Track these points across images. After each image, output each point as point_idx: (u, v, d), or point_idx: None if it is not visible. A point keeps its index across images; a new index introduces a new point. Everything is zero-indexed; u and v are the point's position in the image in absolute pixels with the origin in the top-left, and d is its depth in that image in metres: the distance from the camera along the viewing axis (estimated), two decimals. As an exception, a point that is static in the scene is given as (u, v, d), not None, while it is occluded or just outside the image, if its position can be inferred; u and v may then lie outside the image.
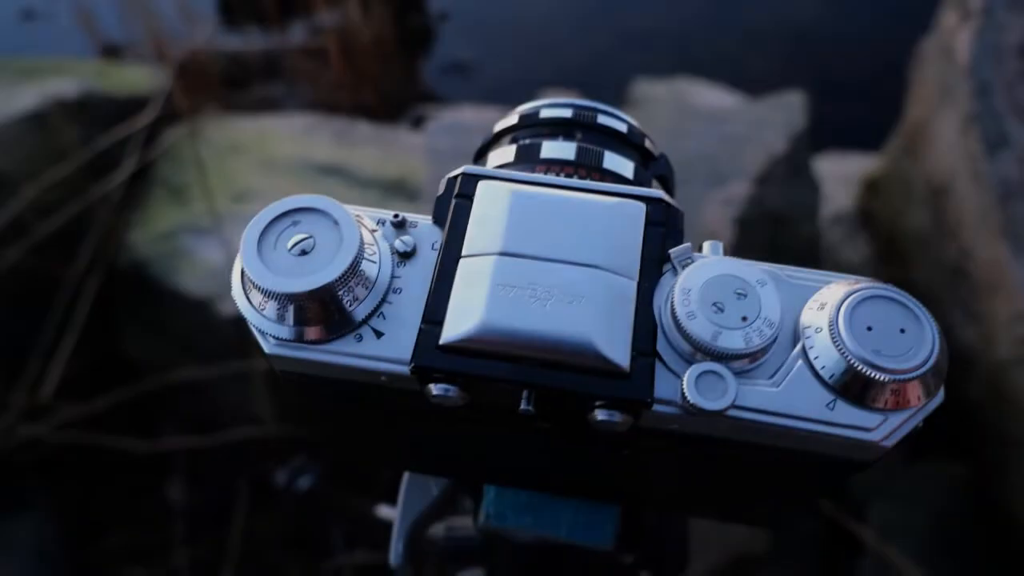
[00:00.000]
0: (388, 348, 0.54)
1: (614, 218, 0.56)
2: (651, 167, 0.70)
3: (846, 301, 0.52)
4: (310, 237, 0.54)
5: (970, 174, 1.97)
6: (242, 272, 0.55)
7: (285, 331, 0.54)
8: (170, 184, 2.41)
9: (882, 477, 2.20)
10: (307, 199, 0.55)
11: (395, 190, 2.44)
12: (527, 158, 0.67)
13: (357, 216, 0.58)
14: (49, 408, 2.21)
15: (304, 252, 0.53)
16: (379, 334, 0.54)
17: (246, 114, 2.68)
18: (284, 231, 0.54)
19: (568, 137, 0.69)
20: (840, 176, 2.50)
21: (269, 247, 0.54)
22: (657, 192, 0.59)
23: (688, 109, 2.49)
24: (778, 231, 2.19)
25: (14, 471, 2.30)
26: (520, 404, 0.54)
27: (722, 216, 2.13)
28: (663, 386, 0.53)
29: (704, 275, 0.53)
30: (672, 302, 0.53)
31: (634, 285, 0.54)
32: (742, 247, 2.08)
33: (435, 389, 0.53)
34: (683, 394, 0.51)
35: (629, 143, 0.70)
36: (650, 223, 0.57)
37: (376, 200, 2.38)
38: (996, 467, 2.05)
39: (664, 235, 0.57)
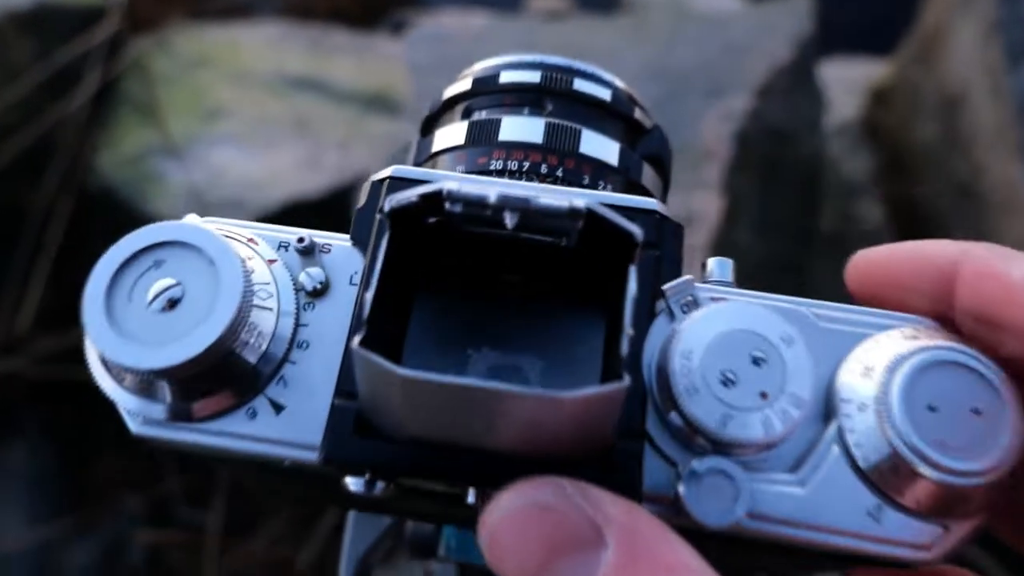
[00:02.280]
0: (290, 428, 0.39)
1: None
2: (640, 145, 0.53)
3: (902, 368, 0.37)
4: (177, 284, 0.38)
5: (988, 86, 1.77)
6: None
7: (155, 409, 0.39)
8: (137, 102, 2.20)
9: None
10: (171, 229, 0.39)
11: (375, 105, 2.23)
12: (482, 139, 0.50)
13: (250, 242, 0.42)
14: (27, 340, 2.09)
15: (171, 304, 0.38)
16: (278, 407, 0.40)
17: (215, 21, 2.43)
18: (143, 276, 0.38)
19: (535, 109, 0.52)
20: (846, 83, 2.29)
21: (122, 300, 0.38)
22: (648, 201, 0.43)
23: (687, 13, 2.25)
24: (778, 147, 2.00)
25: (4, 400, 2.20)
26: (467, 497, 0.40)
27: (720, 132, 1.94)
28: (655, 475, 0.38)
29: (710, 330, 0.38)
30: (668, 368, 0.38)
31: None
32: (740, 165, 1.90)
33: (353, 484, 0.39)
34: (678, 495, 0.37)
35: (614, 114, 0.53)
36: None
37: (355, 117, 2.18)
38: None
39: (657, 262, 0.42)
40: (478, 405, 0.35)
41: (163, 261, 0.38)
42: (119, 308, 0.38)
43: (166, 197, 2.06)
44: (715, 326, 0.38)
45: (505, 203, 0.36)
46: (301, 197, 2.00)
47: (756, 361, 0.37)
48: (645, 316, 0.40)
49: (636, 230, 0.36)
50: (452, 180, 0.37)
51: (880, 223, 2.10)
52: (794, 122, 2.05)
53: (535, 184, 0.44)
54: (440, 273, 0.44)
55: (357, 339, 0.34)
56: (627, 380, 0.34)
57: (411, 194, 0.37)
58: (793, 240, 2.05)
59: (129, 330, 0.37)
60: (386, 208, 0.37)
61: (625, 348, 0.35)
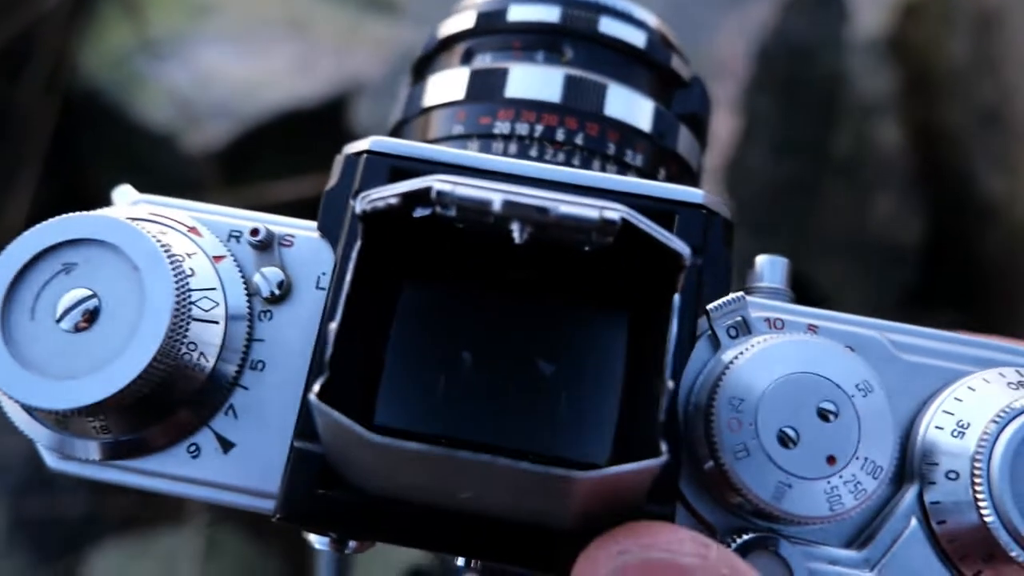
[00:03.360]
0: (241, 471, 0.31)
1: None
2: (676, 101, 0.43)
3: (1009, 430, 0.29)
4: (93, 295, 0.29)
5: (1029, 4, 1.62)
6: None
7: (77, 446, 0.31)
8: (121, -5, 2.03)
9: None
10: (82, 223, 0.30)
11: (375, 5, 2.06)
12: (485, 93, 0.40)
13: (191, 232, 0.33)
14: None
15: (86, 320, 0.29)
16: (227, 444, 0.31)
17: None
18: (48, 284, 0.29)
19: (552, 56, 0.41)
20: (873, -6, 2.11)
21: (22, 317, 0.29)
22: (692, 192, 0.34)
23: (708, -89, 2.05)
24: (798, 64, 1.86)
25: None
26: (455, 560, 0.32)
27: (738, 48, 1.80)
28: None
29: (768, 372, 0.29)
30: (713, 416, 0.29)
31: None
32: (758, 85, 1.76)
33: (317, 543, 0.32)
34: None
35: (647, 63, 0.42)
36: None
37: (353, 18, 2.01)
38: (1004, 324, 1.88)
39: (700, 273, 0.33)
40: (472, 476, 0.26)
41: (73, 265, 0.29)
42: (19, 328, 0.29)
43: (153, 101, 1.93)
44: (774, 367, 0.29)
45: (513, 212, 0.27)
46: (295, 105, 1.87)
47: (824, 415, 0.29)
48: (687, 339, 0.32)
49: (683, 249, 0.27)
50: (444, 178, 0.27)
51: (898, 147, 1.98)
52: (816, 37, 1.90)
53: (548, 168, 0.34)
54: (430, 262, 0.35)
55: (317, 387, 0.26)
56: (665, 456, 0.26)
57: (389, 194, 0.27)
58: (807, 162, 1.94)
59: (33, 358, 0.28)
60: (358, 209, 0.28)
61: (664, 411, 0.26)
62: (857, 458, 0.28)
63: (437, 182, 0.27)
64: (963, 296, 2.00)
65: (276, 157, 1.88)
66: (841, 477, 0.28)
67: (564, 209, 0.26)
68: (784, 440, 0.28)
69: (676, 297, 0.27)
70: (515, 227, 0.27)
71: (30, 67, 1.99)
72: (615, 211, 0.27)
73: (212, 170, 1.88)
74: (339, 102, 1.83)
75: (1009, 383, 0.30)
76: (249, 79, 1.89)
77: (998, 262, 1.90)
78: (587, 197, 0.27)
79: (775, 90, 1.88)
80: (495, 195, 0.26)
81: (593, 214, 0.27)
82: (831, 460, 0.28)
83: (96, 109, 1.97)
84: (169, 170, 1.98)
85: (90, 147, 2.13)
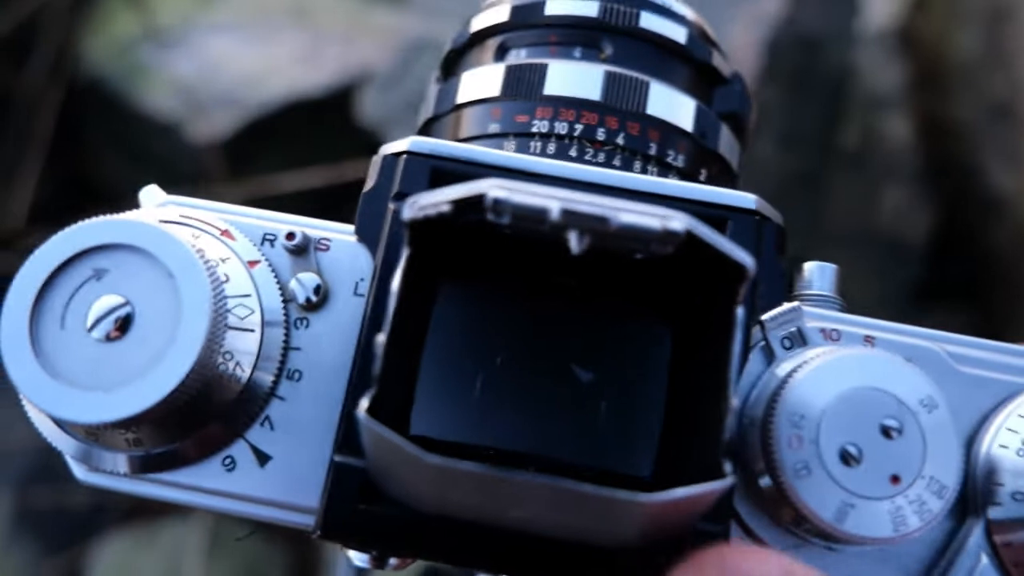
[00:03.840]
0: (278, 484, 0.30)
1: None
2: (717, 99, 0.42)
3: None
4: (126, 303, 0.28)
5: (1042, -3, 1.60)
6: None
7: (107, 459, 0.30)
8: (125, -17, 2.00)
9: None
10: (113, 227, 0.28)
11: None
12: (523, 90, 0.39)
13: (224, 235, 0.31)
14: (21, 235, 1.98)
15: (118, 329, 0.28)
16: (263, 457, 0.30)
17: None
18: (79, 291, 0.28)
19: (590, 52, 0.40)
20: (883, -14, 2.08)
21: (52, 326, 0.28)
22: (745, 198, 0.33)
23: (718, -99, 2.03)
24: (808, 56, 1.84)
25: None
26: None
27: (749, 38, 1.78)
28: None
29: (829, 386, 0.28)
30: (771, 432, 0.28)
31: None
32: (768, 76, 1.74)
33: (357, 560, 0.30)
34: None
35: (688, 59, 0.41)
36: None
37: (359, 7, 1.99)
38: (1011, 319, 1.87)
39: (755, 282, 0.31)
40: (526, 495, 0.25)
41: (105, 271, 0.28)
42: (49, 337, 0.27)
43: (158, 90, 1.90)
44: (835, 382, 0.28)
45: (572, 221, 0.25)
46: (300, 95, 1.84)
47: (887, 432, 0.27)
48: (740, 350, 0.30)
49: (748, 261, 0.26)
50: (499, 184, 0.26)
51: (905, 141, 1.96)
52: (826, 29, 1.88)
53: (599, 172, 0.33)
54: (469, 264, 0.34)
55: (364, 404, 0.25)
56: (731, 478, 0.24)
57: (441, 200, 0.26)
58: (814, 155, 1.92)
59: (64, 368, 0.27)
60: (406, 216, 0.26)
61: (729, 429, 0.25)
62: (922, 477, 0.27)
63: (492, 189, 0.25)
64: (970, 291, 1.99)
65: (282, 147, 1.86)
66: (906, 497, 0.27)
67: (625, 219, 0.25)
68: (846, 458, 0.27)
69: (739, 311, 0.26)
70: (572, 236, 0.26)
71: (34, 56, 1.97)
72: (679, 222, 0.25)
73: (217, 160, 1.86)
74: (345, 92, 1.81)
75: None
76: (255, 69, 1.87)
77: (1006, 257, 1.89)
78: (642, 203, 0.26)
79: (784, 82, 1.86)
80: (553, 203, 0.25)
81: (656, 224, 0.25)
82: (895, 479, 0.27)
83: (100, 98, 1.95)
84: (174, 160, 1.96)
85: (94, 137, 2.11)
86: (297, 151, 1.89)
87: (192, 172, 1.97)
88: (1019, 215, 1.77)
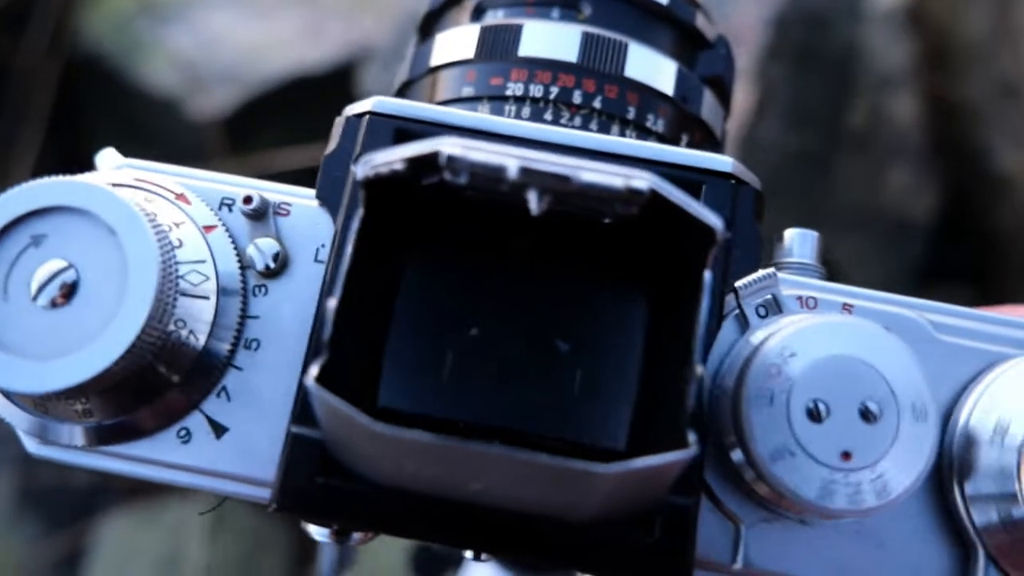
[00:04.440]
0: (234, 457, 0.29)
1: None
2: (700, 63, 0.40)
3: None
4: (69, 266, 0.27)
5: (1054, -28, 1.56)
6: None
7: (59, 431, 0.29)
8: (123, -43, 1.98)
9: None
10: (50, 189, 0.27)
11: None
12: (497, 51, 0.37)
13: (179, 199, 0.30)
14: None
15: (64, 294, 0.27)
16: (219, 429, 0.29)
17: None
18: (19, 259, 0.27)
19: (568, 12, 0.38)
20: (892, -38, 2.04)
21: (-6, 290, 0.27)
22: (721, 160, 0.31)
23: None
24: (815, 34, 1.81)
25: None
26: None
27: (754, 15, 1.75)
28: (711, 536, 0.29)
29: (805, 355, 0.27)
30: (740, 400, 0.27)
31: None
32: (773, 54, 1.71)
33: (317, 534, 0.29)
34: (743, 555, 0.28)
35: (670, 21, 0.39)
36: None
37: (359, -17, 1.96)
38: (1015, 298, 1.84)
39: (729, 248, 0.30)
40: (484, 467, 0.24)
41: (43, 236, 0.27)
42: (-9, 302, 0.26)
43: (157, 66, 1.89)
44: (812, 349, 0.27)
45: (531, 180, 0.24)
46: (302, 71, 1.83)
47: (866, 414, 0.26)
48: (712, 316, 0.29)
49: (716, 223, 0.24)
50: (454, 142, 0.24)
51: (913, 120, 1.93)
52: (833, 7, 1.85)
53: (566, 132, 0.32)
54: (435, 232, 0.33)
55: (314, 371, 0.23)
56: (694, 448, 0.23)
57: (395, 158, 0.25)
58: (821, 135, 1.90)
59: (8, 339, 0.26)
60: (360, 174, 0.25)
61: (692, 397, 0.24)
62: (880, 465, 0.26)
63: (447, 146, 0.24)
64: (976, 270, 1.97)
65: (283, 124, 1.85)
66: (847, 477, 0.26)
67: (587, 177, 0.24)
68: (813, 414, 0.26)
69: (707, 274, 0.25)
70: (532, 196, 0.24)
71: (31, 30, 1.96)
72: (642, 180, 0.24)
73: (217, 137, 1.84)
74: (347, 68, 1.79)
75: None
76: (256, 44, 1.85)
77: (1012, 237, 1.87)
78: (610, 164, 0.25)
79: (790, 60, 1.83)
80: (511, 161, 0.24)
81: (618, 183, 0.24)
82: (846, 456, 0.26)
83: (99, 74, 1.93)
84: (173, 136, 1.95)
85: (93, 113, 2.09)
86: (298, 127, 1.87)
87: (192, 148, 1.96)
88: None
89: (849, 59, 1.88)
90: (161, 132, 1.99)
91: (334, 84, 1.82)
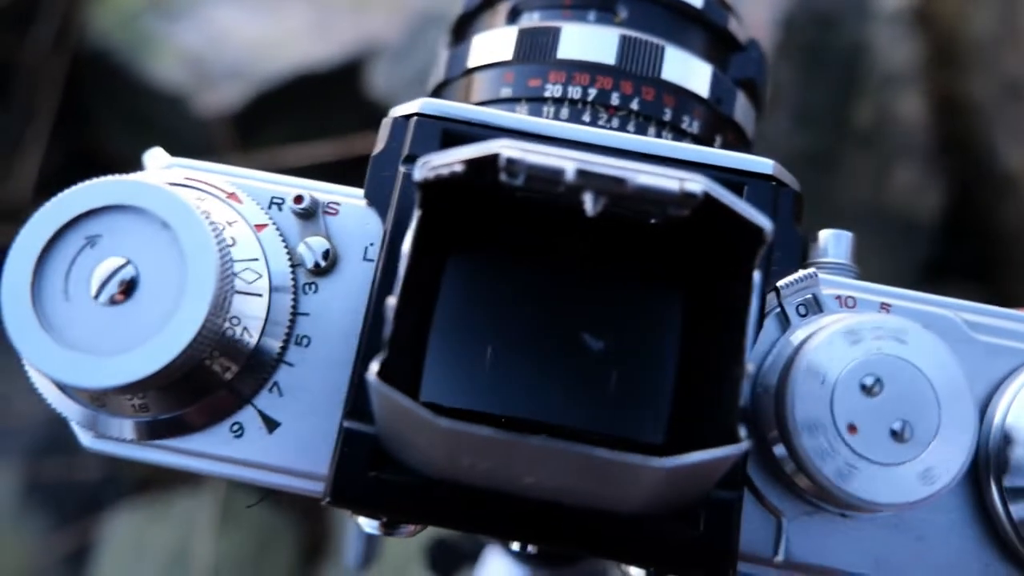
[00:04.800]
0: (287, 451, 0.30)
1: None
2: (733, 65, 0.41)
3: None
4: (127, 263, 0.27)
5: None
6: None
7: (114, 425, 0.29)
8: (131, -47, 1.98)
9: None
10: (114, 187, 0.28)
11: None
12: (535, 54, 0.38)
13: (230, 198, 0.31)
14: (27, 208, 1.98)
15: (123, 291, 0.27)
16: (271, 424, 0.30)
17: None
18: (78, 258, 0.27)
19: (604, 15, 0.39)
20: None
21: (55, 294, 0.27)
22: (763, 163, 0.32)
23: None
24: (823, 33, 1.81)
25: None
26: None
27: (763, 14, 1.75)
28: (754, 530, 0.29)
29: (843, 354, 0.27)
30: (784, 398, 0.28)
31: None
32: (782, 53, 1.72)
33: (367, 526, 0.30)
34: (784, 548, 0.28)
35: (704, 24, 0.40)
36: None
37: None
38: (1020, 297, 1.85)
39: (771, 248, 0.31)
40: (539, 461, 0.25)
41: (99, 236, 0.27)
42: (53, 306, 0.27)
43: (165, 62, 1.89)
44: (847, 348, 0.27)
45: (588, 182, 0.25)
46: (310, 67, 1.83)
47: (907, 411, 0.27)
48: (756, 321, 0.30)
49: (766, 224, 0.25)
50: (513, 144, 0.25)
51: (919, 118, 1.94)
52: (841, 5, 1.85)
53: (613, 135, 0.32)
54: (479, 232, 0.33)
55: (375, 367, 0.24)
56: (746, 443, 0.24)
57: (454, 160, 0.25)
58: (827, 132, 1.90)
59: (71, 336, 0.27)
60: (418, 176, 0.26)
61: (745, 396, 0.25)
62: (931, 449, 0.26)
63: (506, 148, 0.25)
64: (981, 269, 1.97)
65: (290, 120, 1.85)
66: (913, 466, 0.26)
67: (642, 180, 0.24)
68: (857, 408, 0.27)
69: (756, 274, 0.26)
70: (588, 198, 0.25)
71: (37, 25, 1.96)
72: (697, 183, 0.25)
73: (225, 133, 1.84)
74: (355, 65, 1.80)
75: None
76: (264, 40, 1.86)
77: (1017, 235, 1.88)
78: (663, 167, 0.25)
79: (798, 59, 1.84)
80: (568, 163, 0.24)
81: (673, 186, 0.25)
82: (888, 451, 0.27)
83: (106, 70, 1.94)
84: (181, 132, 1.95)
85: (100, 109, 2.10)
86: (306, 124, 1.87)
87: (200, 145, 1.96)
88: (1032, 194, 1.75)
89: (856, 58, 1.88)
90: (168, 128, 2.00)
91: (341, 81, 1.82)
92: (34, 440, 1.79)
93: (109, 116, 2.13)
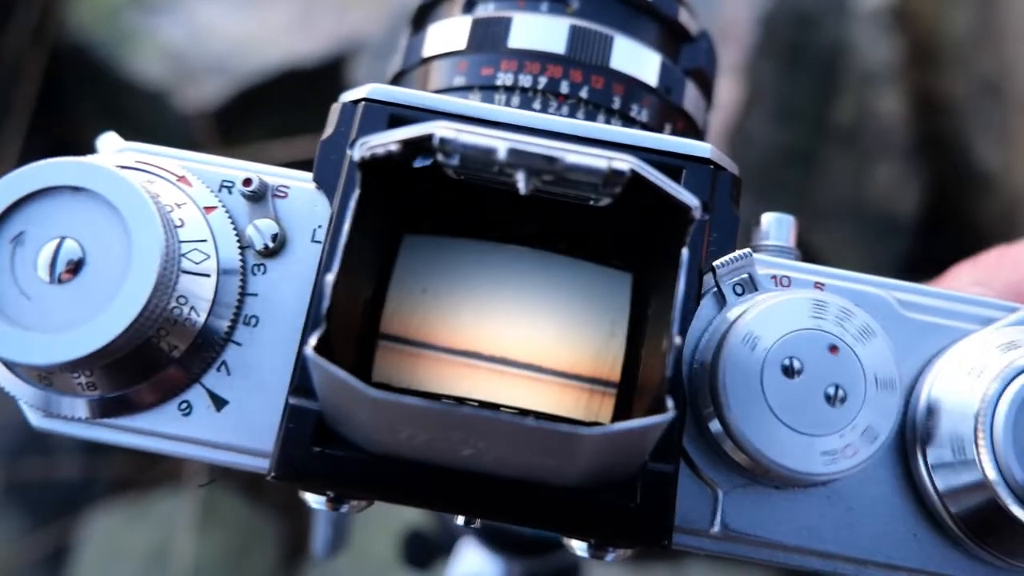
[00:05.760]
0: (234, 429, 0.30)
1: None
2: (683, 56, 0.42)
3: (1011, 387, 0.28)
4: (74, 244, 0.28)
5: (1036, -29, 1.59)
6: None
7: (63, 403, 0.30)
8: (111, -53, 1.98)
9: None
10: (56, 169, 0.28)
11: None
12: (488, 43, 0.39)
13: (180, 181, 0.32)
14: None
15: (70, 270, 0.28)
16: (219, 402, 0.31)
17: None
18: (26, 235, 0.28)
19: (556, 5, 0.39)
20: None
21: (3, 267, 0.28)
22: (700, 146, 0.33)
23: None
24: (803, 31, 1.83)
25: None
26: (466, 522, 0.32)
27: (743, 13, 1.77)
28: (690, 503, 0.30)
29: (776, 328, 0.29)
30: (717, 371, 0.29)
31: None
32: (762, 51, 1.73)
33: (313, 502, 0.31)
34: (720, 520, 0.29)
35: (654, 15, 0.41)
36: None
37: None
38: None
39: (707, 228, 0.32)
40: (474, 433, 0.26)
41: (48, 215, 0.28)
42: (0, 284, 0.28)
43: (146, 57, 1.89)
44: (781, 323, 0.28)
45: (519, 161, 0.26)
46: (293, 63, 1.83)
47: (834, 385, 0.28)
48: (692, 299, 0.31)
49: (692, 201, 0.26)
50: (447, 125, 0.26)
51: (897, 118, 1.96)
52: (821, 5, 1.87)
53: (553, 119, 0.33)
54: (430, 215, 0.34)
55: (313, 340, 0.25)
56: (672, 412, 0.25)
57: (389, 140, 0.26)
58: (807, 130, 1.92)
59: (14, 313, 0.27)
60: (356, 156, 0.27)
61: (671, 367, 0.25)
62: (856, 424, 0.28)
63: (440, 129, 0.25)
64: (959, 263, 1.99)
65: (273, 116, 1.85)
66: (840, 437, 0.28)
67: (572, 159, 0.25)
68: (785, 382, 0.28)
69: (684, 251, 0.26)
70: (520, 177, 0.26)
71: (14, 18, 1.95)
72: (624, 162, 0.26)
73: (206, 129, 1.84)
74: (337, 61, 1.80)
75: (1012, 341, 0.30)
76: (246, 36, 1.86)
77: (994, 232, 1.90)
78: (595, 148, 0.26)
79: (778, 57, 1.85)
80: (500, 143, 0.25)
81: (602, 164, 0.25)
82: (816, 423, 0.28)
83: (87, 64, 1.93)
84: (162, 128, 1.95)
85: (80, 104, 2.09)
86: (288, 120, 1.87)
87: (182, 140, 1.95)
88: (1007, 191, 1.78)
89: (836, 57, 1.90)
90: (150, 124, 1.99)
91: (324, 76, 1.83)
92: (11, 439, 1.78)
93: (89, 111, 2.12)
